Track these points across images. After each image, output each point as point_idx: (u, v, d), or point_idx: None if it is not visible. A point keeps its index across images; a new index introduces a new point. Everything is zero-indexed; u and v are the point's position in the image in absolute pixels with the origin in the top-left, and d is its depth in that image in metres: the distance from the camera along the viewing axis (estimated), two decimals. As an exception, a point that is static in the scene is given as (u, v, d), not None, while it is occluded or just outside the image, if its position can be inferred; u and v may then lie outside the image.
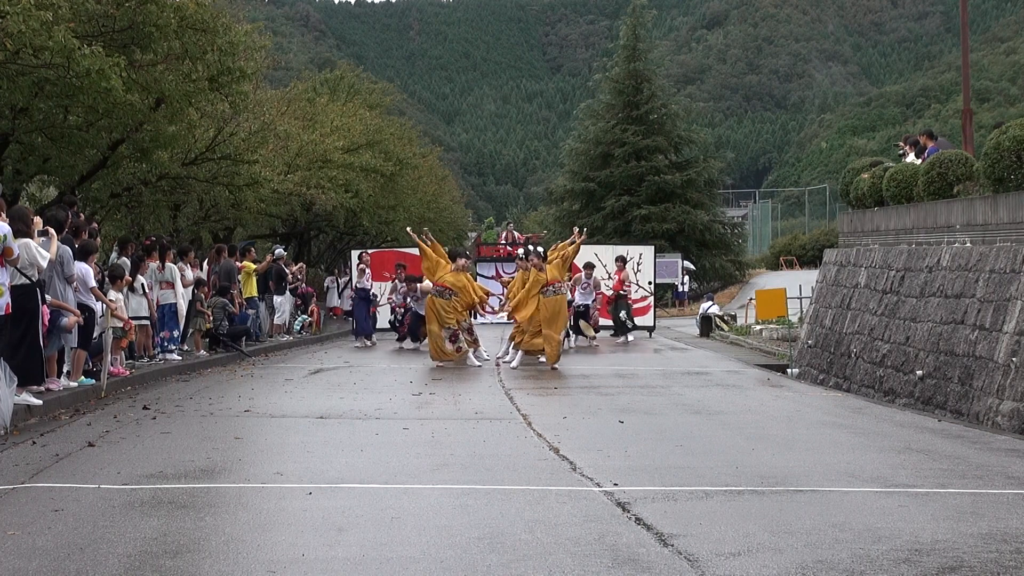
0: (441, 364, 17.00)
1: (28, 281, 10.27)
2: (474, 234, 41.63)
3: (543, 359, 16.75)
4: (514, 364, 16.73)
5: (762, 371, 17.30)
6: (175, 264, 16.67)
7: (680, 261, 42.01)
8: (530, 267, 17.02)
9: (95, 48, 13.04)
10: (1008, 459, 8.69)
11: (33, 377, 10.57)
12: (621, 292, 23.21)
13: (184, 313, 16.86)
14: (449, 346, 16.97)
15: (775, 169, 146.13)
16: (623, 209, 47.05)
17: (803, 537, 5.87)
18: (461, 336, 17.05)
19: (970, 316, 13.20)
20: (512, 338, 17.32)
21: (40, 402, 10.46)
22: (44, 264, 10.46)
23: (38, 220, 10.96)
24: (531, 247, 18.58)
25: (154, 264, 15.98)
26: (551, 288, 16.60)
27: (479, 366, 16.89)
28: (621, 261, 23.41)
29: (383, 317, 23.60)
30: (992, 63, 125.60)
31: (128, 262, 14.98)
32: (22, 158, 17.40)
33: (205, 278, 18.69)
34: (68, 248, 11.79)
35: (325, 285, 30.65)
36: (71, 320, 11.55)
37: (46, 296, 10.94)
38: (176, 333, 16.54)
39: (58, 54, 12.75)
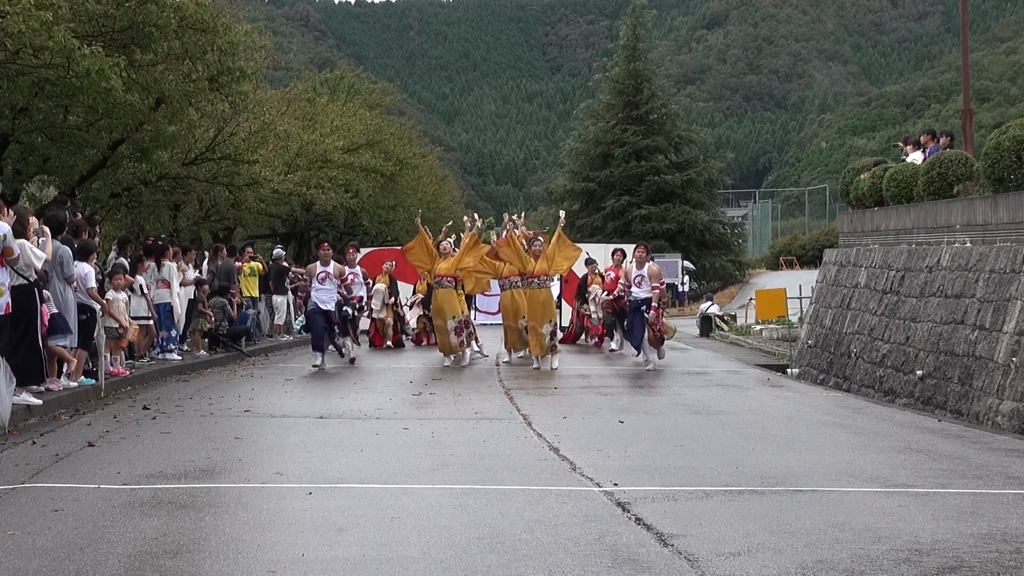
0: (448, 364, 16.85)
1: (28, 281, 10.27)
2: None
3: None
4: (507, 360, 16.86)
5: (762, 371, 17.28)
6: (174, 263, 16.65)
7: (680, 261, 42.03)
8: (514, 230, 17.06)
9: (95, 48, 13.04)
10: (1008, 459, 8.69)
11: (33, 377, 10.57)
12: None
13: (181, 313, 16.83)
14: (454, 338, 16.76)
15: (775, 169, 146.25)
16: (623, 209, 47.07)
17: (803, 537, 5.87)
18: (463, 330, 16.89)
19: (970, 316, 13.20)
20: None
21: (40, 402, 10.46)
22: (39, 265, 10.44)
23: (33, 220, 10.94)
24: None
25: (154, 264, 15.97)
26: (536, 280, 16.45)
27: (475, 361, 16.86)
28: (621, 254, 18.98)
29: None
30: (992, 63, 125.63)
31: (126, 263, 14.96)
32: (22, 158, 17.41)
33: (205, 278, 18.68)
34: (67, 248, 11.78)
35: None
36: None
37: (45, 294, 10.93)
38: (174, 333, 16.51)
39: (58, 54, 12.75)
